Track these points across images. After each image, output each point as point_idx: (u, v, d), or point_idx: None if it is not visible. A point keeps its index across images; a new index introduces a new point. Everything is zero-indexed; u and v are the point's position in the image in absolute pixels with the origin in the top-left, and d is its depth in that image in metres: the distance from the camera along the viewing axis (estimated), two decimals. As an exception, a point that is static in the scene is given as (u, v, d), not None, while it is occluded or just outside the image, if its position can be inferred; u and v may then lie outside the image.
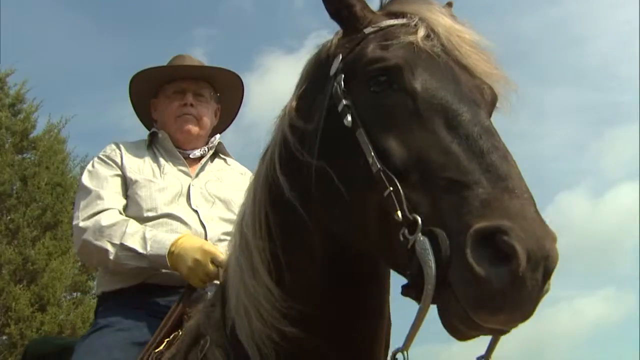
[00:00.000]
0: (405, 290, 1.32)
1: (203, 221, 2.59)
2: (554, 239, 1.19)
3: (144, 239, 2.41)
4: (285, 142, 1.67)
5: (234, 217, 2.52)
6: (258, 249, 1.69)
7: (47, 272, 12.54)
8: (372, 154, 1.38)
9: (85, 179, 2.66)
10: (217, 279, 2.24)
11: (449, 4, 1.69)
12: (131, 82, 2.90)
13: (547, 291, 1.20)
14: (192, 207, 2.63)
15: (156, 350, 2.07)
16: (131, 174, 2.67)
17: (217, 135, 2.99)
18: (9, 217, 13.25)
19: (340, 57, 1.56)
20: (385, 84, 1.44)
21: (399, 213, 1.29)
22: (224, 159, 2.97)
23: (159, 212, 2.58)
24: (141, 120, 3.04)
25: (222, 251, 2.35)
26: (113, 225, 2.47)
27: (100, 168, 2.69)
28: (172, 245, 2.35)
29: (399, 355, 1.32)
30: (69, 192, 14.03)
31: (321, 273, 1.62)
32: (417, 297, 1.26)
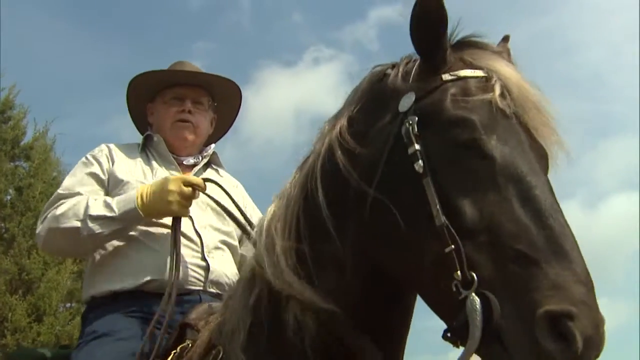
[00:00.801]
0: (447, 336, 1.40)
1: (197, 229, 2.57)
2: (604, 324, 1.29)
3: (107, 204, 2.40)
4: (331, 157, 1.66)
5: (226, 228, 2.64)
6: (285, 253, 1.68)
7: (43, 282, 12.48)
8: (438, 206, 1.40)
9: (62, 185, 2.64)
10: (194, 197, 2.37)
11: (505, 39, 1.72)
12: (130, 84, 2.87)
13: None
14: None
15: None
16: (121, 174, 2.63)
17: (212, 145, 2.97)
18: (3, 227, 13.13)
19: (414, 97, 1.55)
20: (466, 142, 1.45)
21: (459, 273, 1.35)
22: (217, 170, 2.94)
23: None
24: (135, 122, 3.03)
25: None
26: (73, 206, 2.44)
27: (79, 169, 2.66)
28: (138, 197, 2.36)
29: None
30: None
31: (347, 289, 1.63)
32: (456, 344, 1.37)
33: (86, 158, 2.70)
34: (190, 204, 2.37)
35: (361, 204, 1.57)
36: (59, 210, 2.45)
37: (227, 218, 2.62)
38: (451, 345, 1.41)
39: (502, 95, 1.49)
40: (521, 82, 1.54)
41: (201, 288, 2.48)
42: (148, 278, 2.42)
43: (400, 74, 1.64)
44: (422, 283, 1.50)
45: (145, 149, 2.81)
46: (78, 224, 2.38)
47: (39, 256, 12.63)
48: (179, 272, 2.30)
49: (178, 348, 2.05)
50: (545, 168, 1.52)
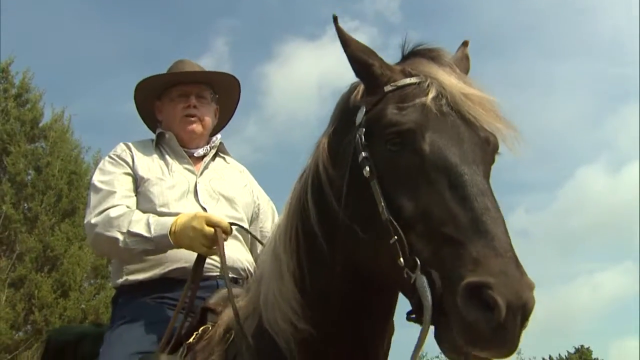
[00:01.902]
0: (409, 317, 1.57)
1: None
2: (531, 288, 1.41)
3: (148, 224, 2.56)
4: (317, 174, 1.87)
5: (237, 214, 2.85)
6: (286, 259, 1.91)
7: (66, 257, 12.67)
8: (383, 204, 1.59)
9: (96, 178, 2.82)
10: (217, 240, 2.42)
11: (465, 44, 1.90)
12: (136, 87, 3.09)
13: (525, 327, 1.44)
14: (201, 203, 2.79)
15: (187, 342, 2.20)
16: (142, 172, 2.83)
17: (218, 135, 3.19)
18: (26, 206, 13.35)
19: (364, 109, 1.73)
20: (400, 145, 1.63)
21: (401, 259, 1.52)
22: (224, 158, 3.16)
23: (171, 209, 2.72)
24: (144, 121, 3.23)
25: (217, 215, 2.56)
26: (120, 216, 2.62)
27: (111, 167, 2.84)
28: (172, 224, 2.51)
29: None
30: (83, 179, 14.13)
31: (337, 285, 1.82)
32: (419, 322, 1.51)
33: (113, 158, 2.89)
34: (213, 244, 2.44)
35: (337, 212, 1.78)
36: (111, 214, 2.64)
37: (239, 205, 2.90)
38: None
39: (436, 96, 1.64)
40: (458, 83, 1.69)
41: (218, 274, 2.65)
42: (173, 267, 2.62)
43: (359, 92, 1.83)
44: (386, 275, 1.65)
45: (159, 146, 3.01)
46: (119, 236, 2.57)
47: (62, 232, 12.85)
48: (193, 304, 2.42)
49: (200, 330, 2.23)
50: (486, 154, 1.66)
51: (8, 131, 13.62)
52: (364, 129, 1.70)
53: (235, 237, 2.77)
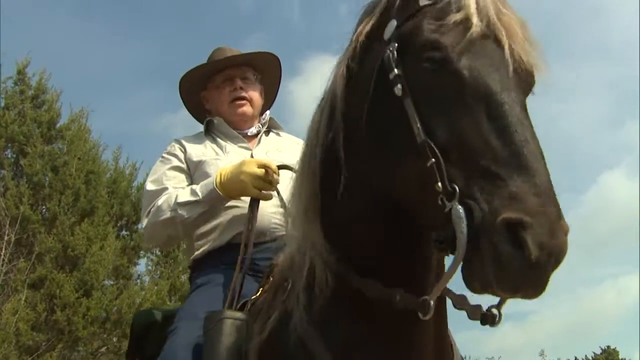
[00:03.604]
0: (438, 246, 1.47)
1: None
2: (566, 232, 1.36)
3: (193, 190, 2.66)
4: (334, 96, 1.80)
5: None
6: (305, 193, 1.89)
7: (87, 257, 12.50)
8: (418, 125, 1.50)
9: (148, 183, 2.91)
10: (270, 180, 2.51)
11: None
12: (180, 83, 3.14)
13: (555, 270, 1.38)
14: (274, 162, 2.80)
15: (252, 297, 2.24)
16: (197, 157, 2.90)
17: (267, 112, 3.24)
18: (44, 207, 13.25)
19: (395, 23, 1.64)
20: (437, 64, 1.53)
21: (440, 184, 1.44)
22: (277, 133, 3.22)
23: None
24: (194, 115, 3.30)
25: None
26: (166, 200, 2.72)
27: (159, 167, 2.93)
28: (217, 176, 2.59)
29: (424, 298, 1.55)
30: (101, 177, 14.06)
31: (363, 213, 1.75)
32: (446, 252, 1.46)
33: (163, 157, 2.98)
34: (264, 186, 2.51)
35: (359, 134, 1.70)
36: (155, 206, 2.73)
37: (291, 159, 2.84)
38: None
39: (477, 16, 1.54)
40: (498, 4, 1.58)
41: (282, 233, 2.63)
42: (237, 231, 2.65)
43: (378, 15, 1.73)
44: (414, 201, 1.58)
45: (210, 132, 3.08)
46: (170, 214, 2.66)
47: (82, 232, 12.71)
48: (252, 244, 2.45)
49: (265, 285, 2.27)
50: (523, 85, 1.56)
51: (25, 133, 13.53)
52: (396, 44, 1.61)
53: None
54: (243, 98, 3.06)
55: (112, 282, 13.67)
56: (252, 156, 2.91)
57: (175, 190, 2.75)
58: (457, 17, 1.54)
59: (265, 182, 2.50)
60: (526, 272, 1.33)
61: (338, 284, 1.79)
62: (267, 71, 3.23)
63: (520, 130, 1.43)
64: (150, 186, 2.86)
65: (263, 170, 2.50)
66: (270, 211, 2.67)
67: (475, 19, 1.54)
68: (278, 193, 2.70)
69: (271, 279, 2.25)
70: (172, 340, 2.38)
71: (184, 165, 2.91)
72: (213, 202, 2.62)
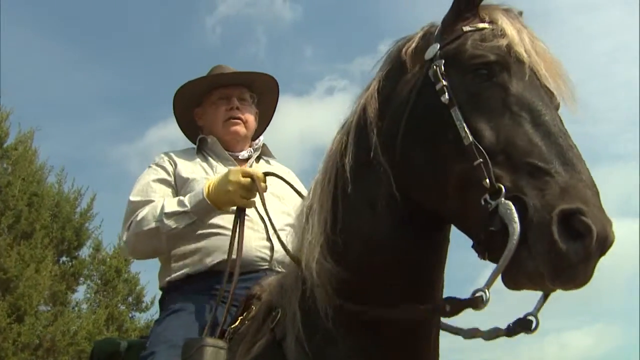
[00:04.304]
0: (478, 247, 1.57)
1: (261, 213, 2.71)
2: (611, 224, 1.44)
3: (180, 200, 2.60)
4: (364, 116, 1.91)
5: (286, 208, 2.84)
6: (319, 208, 1.95)
7: (22, 280, 12.16)
8: (466, 129, 1.62)
9: (132, 196, 2.79)
10: (255, 190, 2.46)
11: (520, 13, 1.92)
12: (176, 93, 3.10)
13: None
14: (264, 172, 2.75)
15: (232, 327, 2.25)
16: (186, 174, 2.83)
17: (261, 137, 3.22)
18: (-18, 227, 12.91)
19: (439, 46, 1.79)
20: (485, 77, 1.68)
21: (487, 180, 1.53)
22: (267, 161, 3.18)
23: None
24: (183, 130, 3.24)
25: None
26: (150, 210, 2.63)
27: (145, 177, 2.85)
28: (205, 187, 2.54)
29: (480, 293, 1.55)
30: (44, 200, 13.80)
31: (379, 226, 1.83)
32: (492, 250, 1.52)
33: (151, 167, 2.89)
34: (250, 195, 2.49)
35: (391, 145, 1.81)
36: (139, 217, 2.64)
37: (287, 201, 2.86)
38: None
39: (513, 42, 1.71)
40: (531, 34, 1.77)
41: (267, 267, 2.66)
42: (219, 259, 2.59)
43: (418, 40, 1.89)
44: (451, 202, 1.66)
45: (201, 151, 3.02)
46: (157, 224, 2.57)
47: (18, 255, 12.39)
48: (241, 254, 2.45)
49: (244, 314, 2.29)
50: (553, 105, 1.70)
51: (-32, 152, 13.25)
52: (442, 61, 1.75)
53: (285, 230, 2.66)
54: (238, 118, 3.03)
55: (48, 308, 13.33)
56: None
57: (160, 200, 2.67)
58: (502, 41, 1.70)
59: (250, 192, 2.48)
60: (581, 264, 1.40)
61: (340, 312, 1.85)
62: (264, 95, 3.22)
63: (563, 136, 1.56)
64: (134, 197, 2.77)
65: (249, 179, 2.46)
66: (255, 244, 2.66)
67: (517, 45, 1.70)
68: (265, 225, 2.71)
69: (253, 308, 2.27)
70: None
71: (171, 179, 2.84)
72: (201, 213, 2.55)
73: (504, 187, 1.51)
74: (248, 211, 2.61)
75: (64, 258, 14.57)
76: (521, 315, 1.67)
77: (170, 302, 2.63)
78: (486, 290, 1.55)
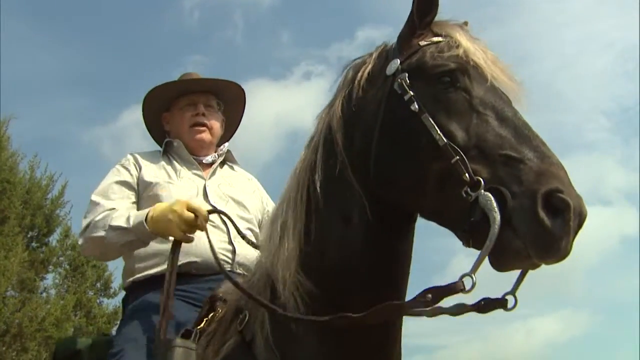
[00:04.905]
0: (463, 235, 1.71)
1: (224, 218, 2.81)
2: (583, 200, 1.60)
3: (128, 217, 2.64)
4: (329, 133, 2.04)
5: (248, 216, 2.99)
6: (293, 221, 2.05)
7: (-9, 267, 12.21)
8: (438, 131, 1.76)
9: (94, 194, 2.88)
10: (197, 226, 2.47)
11: (465, 23, 2.09)
12: (146, 97, 3.18)
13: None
14: (211, 204, 2.86)
15: (198, 327, 2.33)
16: (149, 177, 2.92)
17: (226, 144, 3.30)
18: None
19: (399, 62, 1.95)
20: (448, 84, 1.85)
21: (467, 175, 1.68)
22: (231, 166, 3.28)
23: None
24: (151, 133, 3.33)
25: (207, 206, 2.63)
26: (104, 217, 2.71)
27: (109, 178, 2.93)
28: (150, 211, 2.57)
29: (466, 279, 1.67)
30: (17, 188, 13.78)
31: (353, 236, 1.96)
32: (475, 238, 1.66)
33: (116, 168, 2.98)
34: (190, 230, 2.48)
35: (362, 159, 1.94)
36: (95, 219, 2.74)
37: (248, 208, 3.01)
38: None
39: (469, 51, 1.89)
40: (482, 44, 1.95)
41: (229, 269, 2.74)
42: (184, 261, 2.65)
43: (374, 60, 2.05)
44: (430, 200, 1.80)
45: (167, 154, 3.11)
46: (103, 233, 2.66)
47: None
48: (173, 290, 2.45)
49: (209, 316, 2.38)
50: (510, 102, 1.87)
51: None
52: (406, 74, 1.91)
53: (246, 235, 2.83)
54: (203, 124, 3.12)
55: (16, 294, 13.35)
56: (205, 186, 2.97)
57: (114, 210, 2.73)
58: (459, 51, 1.88)
59: (191, 227, 2.47)
60: (566, 236, 1.54)
61: (310, 321, 1.95)
62: (231, 103, 3.32)
63: (527, 128, 1.73)
64: (95, 197, 2.85)
65: (192, 215, 2.46)
66: (218, 247, 2.70)
67: (473, 54, 1.88)
68: (228, 229, 2.80)
69: (219, 310, 2.36)
70: None
71: (133, 182, 2.91)
72: (139, 235, 2.59)
73: (482, 179, 1.65)
74: (213, 217, 2.68)
75: (33, 244, 14.54)
76: (499, 296, 1.78)
77: (134, 302, 2.71)
78: (472, 275, 1.66)
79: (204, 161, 3.14)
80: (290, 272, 1.98)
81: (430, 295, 1.72)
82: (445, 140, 1.74)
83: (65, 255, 15.08)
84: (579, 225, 1.59)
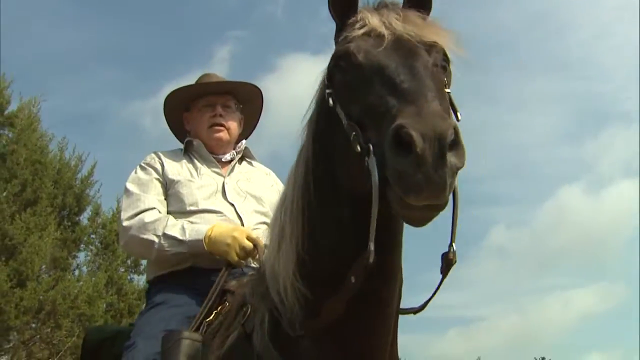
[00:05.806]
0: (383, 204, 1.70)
1: (239, 213, 3.04)
2: (444, 117, 1.56)
3: (183, 228, 2.82)
4: (307, 145, 2.15)
5: (265, 210, 3.12)
6: (290, 224, 2.11)
7: (25, 247, 12.47)
8: (344, 116, 1.84)
9: (129, 184, 3.07)
10: (253, 255, 2.67)
11: (394, 4, 2.07)
12: (166, 99, 3.37)
13: (459, 166, 1.55)
14: (229, 201, 3.07)
15: (207, 320, 2.45)
16: (172, 175, 3.11)
17: (244, 141, 3.48)
18: (-12, 195, 13.14)
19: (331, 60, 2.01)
20: (344, 67, 1.91)
21: (358, 147, 1.72)
22: (250, 162, 3.45)
23: (200, 206, 3.00)
24: (173, 132, 3.52)
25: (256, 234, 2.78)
26: (156, 220, 2.88)
27: (142, 174, 3.12)
28: (208, 230, 2.76)
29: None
30: (48, 168, 13.99)
31: (344, 216, 1.99)
32: (385, 205, 1.66)
33: (142, 166, 3.17)
34: (245, 258, 2.69)
35: (330, 161, 2.01)
36: (146, 219, 2.90)
37: (265, 202, 3.15)
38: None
39: (374, 25, 1.90)
40: (400, 12, 1.94)
41: (244, 263, 2.82)
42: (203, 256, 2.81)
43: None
44: (355, 179, 1.82)
45: (188, 153, 3.29)
46: (155, 238, 2.82)
47: (22, 222, 12.67)
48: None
49: (219, 308, 2.49)
50: (429, 57, 1.85)
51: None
52: (327, 71, 2.01)
53: (261, 229, 2.98)
54: (221, 125, 3.28)
55: (49, 274, 13.61)
56: (223, 184, 3.12)
57: (165, 216, 2.91)
58: (360, 31, 1.92)
59: (247, 255, 2.69)
60: (420, 169, 1.49)
61: (305, 324, 2.03)
62: (248, 102, 3.46)
63: (404, 75, 1.72)
64: (132, 187, 3.03)
65: (251, 245, 2.68)
66: None
67: (378, 26, 1.89)
68: (242, 223, 2.95)
69: (227, 303, 2.47)
70: (130, 355, 2.57)
71: (161, 179, 3.09)
72: (195, 250, 2.76)
73: (372, 145, 1.67)
74: (225, 211, 2.98)
75: (65, 223, 14.74)
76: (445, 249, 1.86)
77: (155, 295, 2.88)
78: (370, 245, 1.76)
79: (222, 159, 3.31)
80: (289, 277, 2.04)
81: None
82: (345, 121, 1.82)
83: (96, 233, 15.32)
84: (442, 150, 1.50)
